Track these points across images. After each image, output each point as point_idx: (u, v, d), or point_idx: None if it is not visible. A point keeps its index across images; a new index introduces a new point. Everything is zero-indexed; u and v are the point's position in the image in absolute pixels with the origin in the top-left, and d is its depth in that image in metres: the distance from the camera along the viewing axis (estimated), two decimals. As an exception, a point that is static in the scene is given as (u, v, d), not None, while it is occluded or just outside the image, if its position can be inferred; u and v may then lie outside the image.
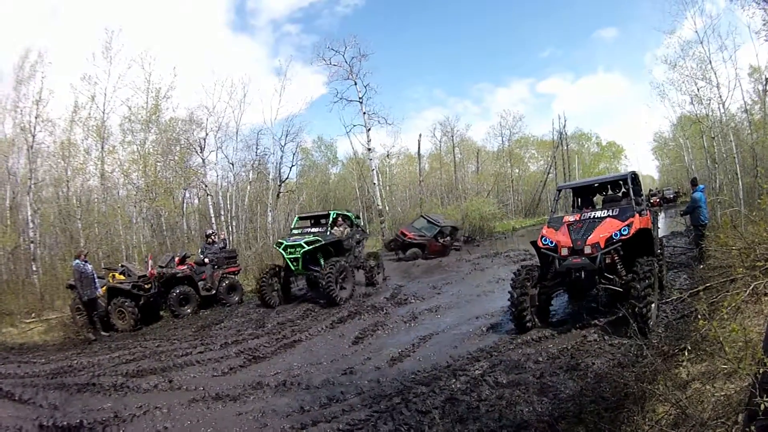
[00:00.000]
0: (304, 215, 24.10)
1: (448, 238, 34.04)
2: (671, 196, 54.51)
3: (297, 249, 19.58)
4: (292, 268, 20.00)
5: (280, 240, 21.76)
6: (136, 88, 34.96)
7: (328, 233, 20.72)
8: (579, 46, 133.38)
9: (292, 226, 23.11)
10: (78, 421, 9.20)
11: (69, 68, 56.90)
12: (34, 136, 30.74)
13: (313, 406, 8.90)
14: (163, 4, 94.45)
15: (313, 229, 21.66)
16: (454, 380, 9.07)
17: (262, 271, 20.88)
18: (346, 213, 23.40)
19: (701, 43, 35.39)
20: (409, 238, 32.40)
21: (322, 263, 20.14)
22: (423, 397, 8.48)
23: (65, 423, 9.17)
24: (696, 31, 35.22)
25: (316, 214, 23.59)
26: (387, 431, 7.45)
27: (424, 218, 35.35)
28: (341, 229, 21.73)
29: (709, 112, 37.13)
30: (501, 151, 77.85)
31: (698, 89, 36.94)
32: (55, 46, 61.27)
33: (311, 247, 19.67)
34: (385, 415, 7.94)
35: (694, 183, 17.56)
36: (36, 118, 30.79)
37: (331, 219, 21.49)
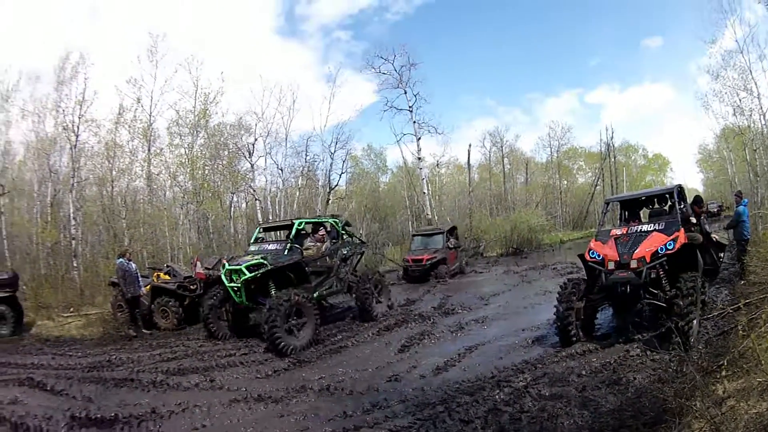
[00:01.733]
0: (268, 225, 19.88)
1: (454, 239, 32.01)
2: (716, 209, 53.76)
3: (238, 275, 15.00)
4: (236, 300, 15.42)
5: (225, 262, 17.34)
6: (184, 92, 35.77)
7: (290, 250, 15.74)
8: (626, 55, 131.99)
9: (252, 239, 18.10)
10: (113, 414, 9.31)
11: (114, 70, 57.92)
12: (77, 136, 32.08)
13: (356, 411, 8.90)
14: (211, 8, 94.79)
15: (271, 246, 16.59)
16: (497, 391, 9.09)
17: (211, 294, 16.35)
18: (326, 221, 18.43)
19: (741, 52, 35.16)
20: (428, 259, 28.59)
21: (273, 294, 14.97)
22: (466, 406, 8.48)
23: (99, 415, 9.28)
24: (736, 41, 35.04)
25: (283, 223, 19.52)
26: (429, 440, 7.32)
27: (418, 235, 33.25)
28: (317, 244, 17.70)
29: (751, 123, 36.80)
30: (550, 163, 77.70)
31: (740, 100, 36.68)
32: (99, 49, 62.12)
33: (253, 274, 14.76)
34: (428, 423, 7.95)
35: (738, 196, 17.27)
36: (80, 118, 31.92)
37: (293, 231, 16.33)
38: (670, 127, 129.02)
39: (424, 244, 31.09)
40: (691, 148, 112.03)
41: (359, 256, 19.45)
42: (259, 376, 11.90)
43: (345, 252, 17.96)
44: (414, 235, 34.08)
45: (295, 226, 16.44)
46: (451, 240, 31.19)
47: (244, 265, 14.89)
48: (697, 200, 13.97)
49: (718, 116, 43.82)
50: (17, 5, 60.16)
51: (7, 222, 33.44)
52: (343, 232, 18.61)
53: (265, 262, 15.01)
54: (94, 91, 32.65)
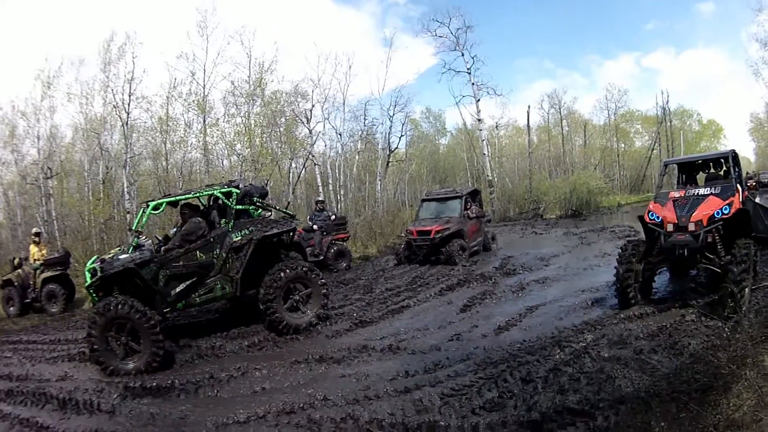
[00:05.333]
0: (165, 198, 13.06)
1: (476, 205, 24.46)
2: (767, 180, 53.18)
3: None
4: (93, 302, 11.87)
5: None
6: (237, 63, 35.88)
7: (136, 248, 12.06)
8: (681, 19, 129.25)
9: (136, 221, 12.80)
10: (169, 382, 9.50)
11: (166, 48, 58.45)
12: (128, 113, 32.29)
13: (418, 370, 9.01)
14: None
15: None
16: (558, 351, 9.21)
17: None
18: (202, 193, 13.44)
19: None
20: (437, 232, 21.41)
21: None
22: (527, 366, 8.62)
23: (154, 384, 9.48)
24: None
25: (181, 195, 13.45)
26: (490, 397, 7.55)
27: (429, 200, 25.38)
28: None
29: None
30: (607, 125, 77.04)
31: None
32: (149, 29, 62.93)
33: (92, 281, 11.41)
34: (490, 382, 8.08)
35: None
36: (130, 95, 32.25)
37: (139, 216, 12.55)
38: (723, 94, 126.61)
39: (436, 212, 23.89)
40: (744, 116, 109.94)
41: (288, 236, 14.03)
42: (320, 337, 12.11)
43: (237, 238, 12.59)
44: (423, 200, 26.17)
45: (147, 210, 12.38)
46: (473, 207, 23.86)
47: (88, 267, 11.94)
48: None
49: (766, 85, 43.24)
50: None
51: (57, 203, 34.27)
52: (248, 206, 13.21)
53: (98, 268, 11.54)
54: (143, 69, 33.02)
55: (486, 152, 47.39)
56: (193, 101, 34.21)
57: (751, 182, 15.29)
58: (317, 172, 40.24)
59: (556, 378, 8.02)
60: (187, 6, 69.79)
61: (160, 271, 11.97)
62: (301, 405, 7.92)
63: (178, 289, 12.11)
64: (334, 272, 21.23)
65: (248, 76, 36.40)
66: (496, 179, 50.25)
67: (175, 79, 34.31)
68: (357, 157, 46.75)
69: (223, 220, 12.82)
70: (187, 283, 12.17)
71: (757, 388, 5.91)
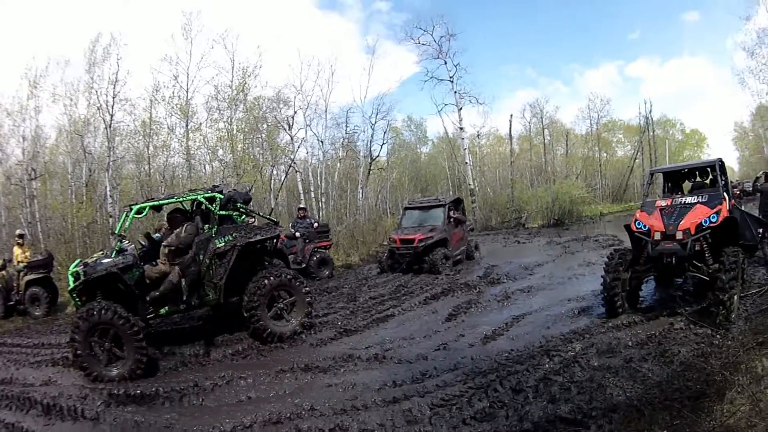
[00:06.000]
0: (148, 203, 12.83)
1: (459, 213, 24.29)
2: (750, 188, 53.54)
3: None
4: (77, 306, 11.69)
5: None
6: (221, 67, 36.13)
7: (119, 253, 11.83)
8: (665, 29, 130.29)
9: (119, 225, 12.84)
10: (153, 390, 9.43)
11: (149, 50, 58.49)
12: (112, 116, 32.44)
13: (406, 380, 8.94)
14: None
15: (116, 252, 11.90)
16: (547, 360, 9.17)
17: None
18: (185, 198, 13.25)
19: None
20: (420, 240, 21.26)
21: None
22: (517, 375, 8.57)
23: (138, 392, 9.40)
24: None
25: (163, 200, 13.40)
26: (481, 408, 7.49)
27: (412, 209, 25.29)
28: (176, 233, 12.34)
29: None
30: (589, 135, 77.48)
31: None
32: (133, 31, 63.30)
33: (75, 284, 11.28)
34: (480, 392, 8.00)
35: (766, 178, 17.41)
36: (114, 98, 32.34)
37: (123, 220, 12.45)
38: (706, 103, 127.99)
39: (419, 221, 23.73)
40: (727, 125, 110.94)
41: (272, 243, 13.91)
42: (305, 346, 12.01)
43: (221, 245, 12.28)
44: (406, 209, 26.26)
45: (131, 214, 12.17)
46: (456, 215, 23.63)
47: (71, 270, 11.76)
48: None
49: (753, 94, 43.62)
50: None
51: (41, 205, 34.49)
52: (231, 212, 13.21)
53: (80, 272, 11.42)
54: (127, 70, 33.23)
55: (468, 161, 47.65)
56: (176, 105, 34.34)
57: (735, 191, 15.35)
58: (299, 179, 40.29)
59: (547, 387, 7.97)
60: (171, 9, 69.51)
61: (183, 279, 11.84)
62: (288, 415, 7.83)
63: (154, 296, 11.85)
64: (317, 280, 21.20)
65: (231, 81, 36.60)
66: (477, 188, 50.44)
67: (159, 82, 34.60)
68: (339, 164, 46.91)
69: (207, 225, 12.54)
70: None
71: (750, 393, 5.98)
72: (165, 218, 13.52)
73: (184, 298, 11.87)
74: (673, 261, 11.11)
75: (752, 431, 5.48)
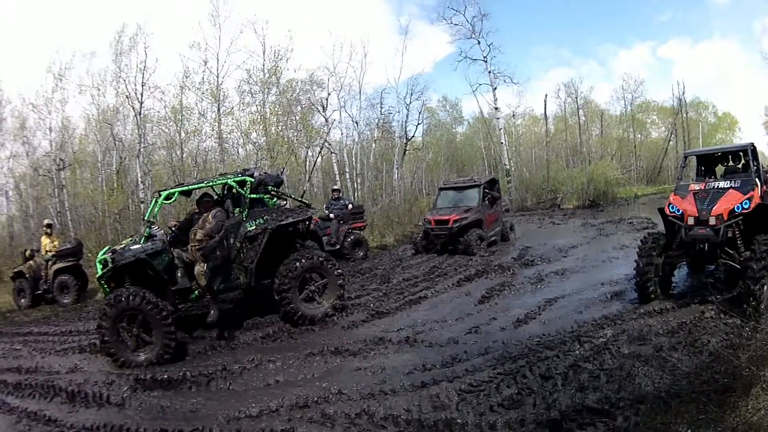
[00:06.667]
0: (177, 188, 12.72)
1: (495, 193, 24.01)
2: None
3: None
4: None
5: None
6: (251, 52, 36.15)
7: (148, 239, 11.85)
8: (696, 9, 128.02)
9: (148, 211, 12.80)
10: (180, 374, 9.48)
11: (178, 37, 58.63)
12: (141, 103, 32.85)
13: (435, 364, 8.93)
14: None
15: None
16: (578, 346, 9.12)
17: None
18: (216, 182, 13.10)
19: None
20: (455, 221, 21.25)
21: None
22: (547, 361, 8.53)
23: (165, 376, 9.45)
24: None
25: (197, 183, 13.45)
26: (509, 394, 7.49)
27: (447, 189, 25.00)
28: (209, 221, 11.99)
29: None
30: (624, 116, 76.68)
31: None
32: (160, 17, 63.48)
33: (103, 272, 11.29)
34: (509, 378, 7.99)
35: None
36: (142, 85, 32.74)
37: (152, 206, 12.57)
38: (737, 86, 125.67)
39: (454, 201, 23.49)
40: (758, 109, 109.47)
41: (304, 225, 13.82)
42: (336, 328, 12.03)
43: (252, 228, 12.25)
44: (441, 189, 25.85)
45: (160, 200, 12.16)
46: (491, 196, 23.35)
47: (99, 258, 11.74)
48: None
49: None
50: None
51: (70, 194, 34.85)
52: (263, 195, 13.00)
53: (109, 259, 11.40)
54: (155, 58, 33.53)
55: (503, 141, 47.26)
56: (207, 90, 34.49)
57: (766, 176, 15.24)
58: (334, 161, 40.45)
59: (576, 375, 7.93)
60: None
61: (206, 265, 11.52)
62: (315, 399, 7.85)
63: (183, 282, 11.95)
64: (351, 261, 21.18)
65: (263, 65, 36.53)
66: (513, 168, 50.16)
67: (188, 68, 34.85)
68: (374, 145, 46.79)
69: (237, 209, 12.49)
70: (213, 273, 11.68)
71: None
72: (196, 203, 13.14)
73: (205, 284, 11.54)
74: (706, 247, 11.03)
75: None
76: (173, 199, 12.47)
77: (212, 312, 11.64)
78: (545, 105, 55.81)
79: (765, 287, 10.08)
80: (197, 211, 12.74)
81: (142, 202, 31.41)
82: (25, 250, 20.71)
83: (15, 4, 58.93)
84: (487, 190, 23.29)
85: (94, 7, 63.43)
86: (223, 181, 12.97)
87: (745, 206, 10.98)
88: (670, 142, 70.74)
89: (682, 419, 6.15)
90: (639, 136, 78.05)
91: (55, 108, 35.04)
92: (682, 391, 7.00)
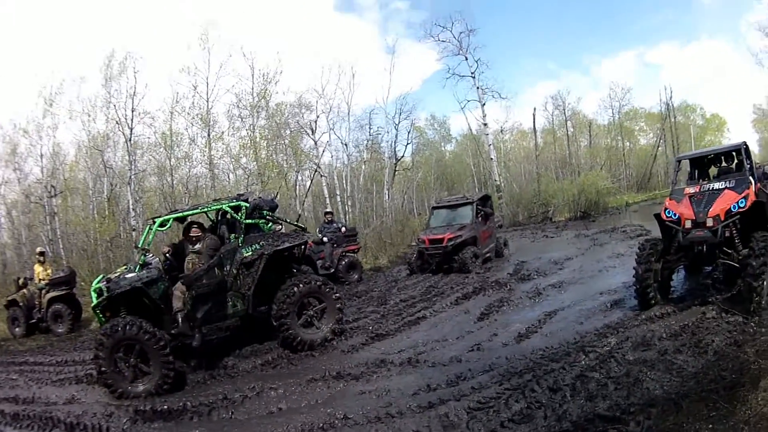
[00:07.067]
0: (172, 215, 12.68)
1: (488, 209, 24.17)
2: (768, 170, 52.75)
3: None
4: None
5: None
6: (240, 75, 36.01)
7: (143, 267, 11.62)
8: (683, 12, 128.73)
9: (142, 238, 12.24)
10: (181, 404, 9.30)
11: (167, 62, 58.94)
12: (131, 129, 32.62)
13: (440, 384, 8.84)
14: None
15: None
16: (583, 356, 9.09)
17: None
18: (211, 208, 13.27)
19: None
20: (449, 239, 21.03)
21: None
22: (554, 374, 8.48)
23: (165, 407, 9.27)
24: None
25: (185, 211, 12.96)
26: (518, 409, 7.44)
27: (440, 208, 25.05)
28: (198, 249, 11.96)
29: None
30: (612, 125, 77.08)
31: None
32: (149, 43, 63.76)
33: (97, 301, 11.06)
34: (517, 393, 7.93)
35: None
36: (132, 111, 32.52)
37: (146, 234, 12.15)
38: (725, 86, 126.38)
39: (448, 220, 23.47)
40: (746, 107, 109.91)
41: (300, 250, 13.66)
42: (336, 352, 11.93)
43: (248, 254, 12.25)
44: (434, 208, 26.03)
45: (154, 227, 11.96)
46: (484, 213, 23.58)
47: (94, 287, 11.42)
48: None
49: (768, 74, 43.34)
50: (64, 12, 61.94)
51: (62, 222, 34.61)
52: (258, 220, 13.03)
53: (104, 288, 11.04)
54: (145, 84, 33.32)
55: (493, 157, 47.16)
56: (197, 115, 34.39)
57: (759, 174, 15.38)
58: (324, 184, 40.42)
59: (584, 385, 7.91)
60: (187, 21, 70.01)
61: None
62: (321, 425, 7.76)
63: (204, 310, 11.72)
64: (346, 285, 21.08)
65: (252, 88, 36.54)
66: (503, 184, 50.14)
67: (178, 93, 34.66)
68: (363, 166, 46.95)
69: (233, 235, 12.48)
70: (203, 302, 11.66)
71: None
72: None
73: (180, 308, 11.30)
74: (704, 249, 11.09)
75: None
76: (168, 225, 12.30)
77: (196, 336, 11.54)
78: (534, 119, 55.74)
79: (765, 283, 10.17)
80: (185, 238, 12.45)
81: (133, 230, 31.31)
82: (18, 278, 20.61)
83: (4, 28, 58.91)
84: (480, 207, 23.26)
85: (84, 32, 63.81)
86: (218, 207, 12.86)
87: (741, 205, 11.04)
88: (659, 148, 71.02)
89: (694, 418, 6.19)
90: (628, 144, 78.40)
91: (46, 134, 35.14)
92: (691, 391, 7.02)
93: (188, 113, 34.40)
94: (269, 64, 48.35)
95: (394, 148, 48.21)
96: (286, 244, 12.66)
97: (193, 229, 12.17)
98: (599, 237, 26.90)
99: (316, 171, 40.45)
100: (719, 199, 11.23)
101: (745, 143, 12.88)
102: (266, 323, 12.71)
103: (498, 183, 46.48)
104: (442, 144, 74.86)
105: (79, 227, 33.89)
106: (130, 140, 32.74)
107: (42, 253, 20.60)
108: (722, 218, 10.85)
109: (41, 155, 34.86)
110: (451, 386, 8.73)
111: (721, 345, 8.66)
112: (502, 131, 67.38)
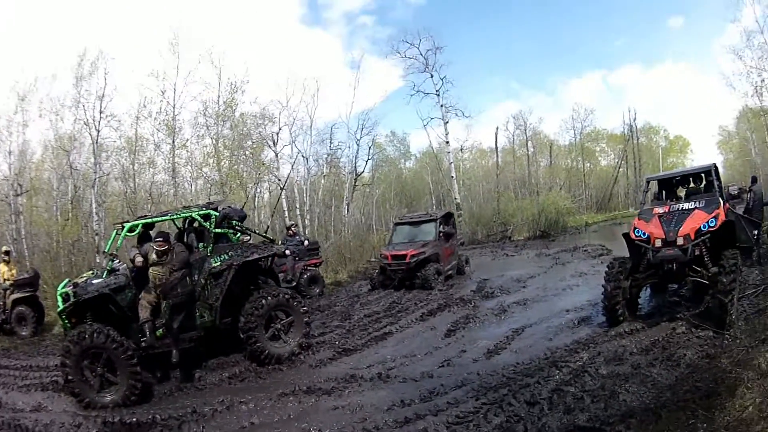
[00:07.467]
0: (141, 220, 12.58)
1: (448, 227, 23.73)
2: (735, 192, 53.56)
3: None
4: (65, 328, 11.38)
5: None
6: (207, 83, 35.72)
7: (111, 273, 11.62)
8: (649, 36, 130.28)
9: (109, 244, 12.42)
10: (150, 417, 9.12)
11: (137, 66, 58.41)
12: (98, 131, 32.05)
13: (414, 399, 8.82)
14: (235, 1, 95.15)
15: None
16: (557, 371, 9.10)
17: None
18: (179, 215, 13.34)
19: (762, 32, 35.04)
20: (412, 256, 20.89)
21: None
22: (529, 388, 8.48)
23: (134, 419, 9.11)
24: (756, 20, 34.84)
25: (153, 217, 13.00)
26: (498, 423, 7.46)
27: (403, 224, 24.80)
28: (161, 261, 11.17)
29: (772, 104, 36.76)
30: (573, 145, 77.85)
31: (762, 80, 36.52)
32: (121, 46, 63.15)
33: (63, 307, 10.92)
34: (495, 407, 7.93)
35: (754, 181, 18.73)
36: (100, 113, 32.02)
37: (113, 239, 12.20)
38: (689, 108, 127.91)
39: (410, 236, 23.34)
40: (711, 129, 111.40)
41: (267, 261, 13.43)
42: (303, 367, 11.83)
43: (217, 264, 12.00)
44: (396, 224, 25.64)
45: (122, 232, 11.82)
46: (446, 230, 23.23)
47: (60, 291, 11.30)
48: None
49: (738, 96, 43.85)
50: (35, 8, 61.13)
51: (26, 221, 33.95)
52: (225, 230, 12.78)
53: (70, 293, 11.05)
54: (114, 86, 32.83)
55: (453, 175, 47.23)
56: (163, 121, 34.08)
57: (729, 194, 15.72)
58: (283, 196, 40.14)
59: (561, 398, 7.96)
60: (159, 25, 69.62)
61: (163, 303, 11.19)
62: (296, 442, 7.58)
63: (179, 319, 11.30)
64: (308, 298, 20.78)
65: (218, 96, 36.40)
66: (462, 202, 50.21)
67: (145, 98, 34.16)
68: (323, 180, 46.86)
69: (201, 244, 12.35)
70: (171, 311, 11.18)
71: (761, 387, 6.16)
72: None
73: (165, 323, 11.23)
74: (674, 267, 11.20)
75: (766, 421, 5.55)
76: (136, 231, 12.10)
77: (173, 352, 11.22)
78: (496, 138, 56.01)
79: (735, 298, 10.44)
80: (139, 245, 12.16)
81: (96, 234, 30.74)
82: (-18, 278, 20.14)
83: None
84: (442, 225, 23.12)
85: (58, 29, 63.02)
86: (188, 214, 12.76)
87: (711, 224, 11.26)
88: (620, 169, 71.67)
89: (674, 426, 6.30)
90: (588, 164, 79.08)
91: (17, 130, 34.54)
92: (668, 401, 7.14)
93: (155, 118, 34.13)
94: (236, 73, 48.27)
95: (355, 163, 48.16)
96: (255, 256, 12.46)
97: (158, 243, 11.20)
98: (561, 256, 27.09)
99: (282, 187, 39.96)
100: (689, 218, 11.43)
101: (714, 165, 13.20)
102: (230, 335, 12.51)
103: (458, 201, 46.58)
104: (402, 161, 74.93)
105: (42, 228, 33.69)
106: (96, 142, 32.30)
107: (8, 252, 20.11)
108: (692, 237, 11.04)
109: (9, 152, 34.26)
110: (425, 401, 8.72)
111: (694, 358, 8.85)
112: (462, 150, 67.61)
